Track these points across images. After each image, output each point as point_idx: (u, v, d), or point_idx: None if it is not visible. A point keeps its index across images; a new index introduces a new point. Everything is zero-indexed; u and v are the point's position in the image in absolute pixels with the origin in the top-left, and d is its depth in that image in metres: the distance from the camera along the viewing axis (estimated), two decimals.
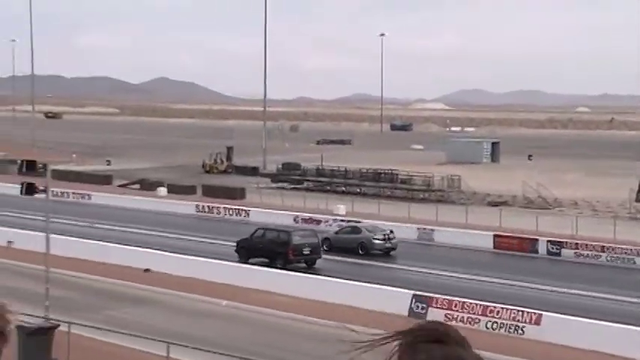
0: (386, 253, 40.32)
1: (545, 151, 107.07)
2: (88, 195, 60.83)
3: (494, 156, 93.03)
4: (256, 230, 38.51)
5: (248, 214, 53.28)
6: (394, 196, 63.91)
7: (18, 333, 19.07)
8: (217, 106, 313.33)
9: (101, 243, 39.77)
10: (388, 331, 2.02)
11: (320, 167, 74.30)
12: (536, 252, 41.24)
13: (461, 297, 29.07)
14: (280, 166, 77.82)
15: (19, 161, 77.86)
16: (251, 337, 26.33)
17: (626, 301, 31.42)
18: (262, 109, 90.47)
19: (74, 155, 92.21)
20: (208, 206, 55.94)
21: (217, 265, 35.35)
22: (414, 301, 28.98)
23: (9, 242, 41.21)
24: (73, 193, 61.00)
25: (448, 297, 28.89)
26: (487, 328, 26.94)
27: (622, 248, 39.68)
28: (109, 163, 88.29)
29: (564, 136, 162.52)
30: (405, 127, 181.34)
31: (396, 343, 2.00)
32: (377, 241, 40.35)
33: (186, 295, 31.97)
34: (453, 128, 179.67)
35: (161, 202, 59.19)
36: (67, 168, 77.16)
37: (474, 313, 27.57)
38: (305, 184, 71.16)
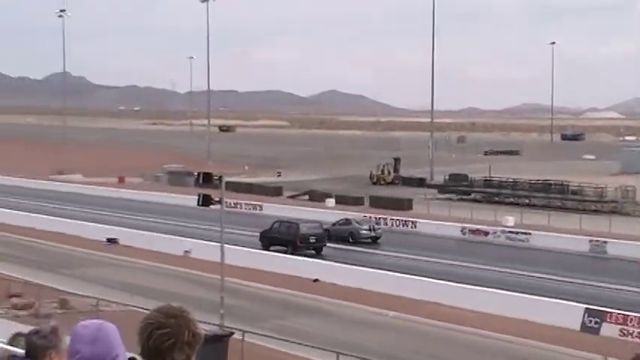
0: (373, 241, 46.34)
1: None
2: (260, 206, 62.39)
3: None
4: (274, 223, 44.57)
5: (415, 226, 53.19)
6: (565, 207, 62.02)
7: None
8: (385, 118, 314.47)
9: (272, 253, 40.85)
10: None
11: (488, 178, 73.08)
12: None
13: (637, 312, 28.18)
14: (447, 177, 77.07)
15: (195, 173, 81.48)
16: (418, 348, 26.18)
17: None
18: (429, 120, 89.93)
19: (246, 167, 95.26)
20: (375, 217, 56.08)
21: (384, 275, 35.46)
22: (586, 315, 28.27)
23: (186, 252, 43.09)
24: (246, 204, 62.71)
25: (623, 312, 27.84)
26: None
27: None
28: (279, 174, 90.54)
29: None
30: (576, 137, 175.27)
31: None
32: (363, 231, 46.51)
33: (353, 305, 32.23)
34: (627, 137, 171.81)
35: (329, 212, 60.00)
36: (240, 179, 79.82)
37: None
38: (472, 196, 70.12)
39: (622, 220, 53.07)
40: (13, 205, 59.88)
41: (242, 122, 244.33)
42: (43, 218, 52.71)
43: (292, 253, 41.00)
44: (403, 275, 35.62)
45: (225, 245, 28.63)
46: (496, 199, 67.63)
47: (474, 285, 33.70)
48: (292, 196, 72.07)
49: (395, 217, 54.93)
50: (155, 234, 46.98)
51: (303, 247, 42.53)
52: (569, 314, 28.36)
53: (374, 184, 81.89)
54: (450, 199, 68.55)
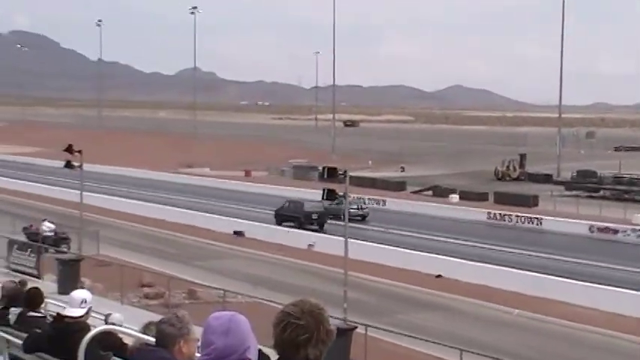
0: (362, 219, 53.01)
1: None
2: (383, 201, 62.28)
3: None
4: (285, 202, 52.09)
5: (540, 223, 52.02)
6: None
7: None
8: (511, 113, 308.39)
9: (394, 248, 40.78)
10: None
11: (618, 175, 70.62)
12: None
13: None
14: (575, 174, 74.94)
15: (320, 168, 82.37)
16: (543, 347, 25.61)
17: None
18: (557, 115, 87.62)
19: (370, 162, 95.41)
20: (500, 214, 55.23)
21: (509, 273, 34.85)
22: None
23: (310, 245, 43.61)
24: (369, 198, 62.57)
25: None
26: None
27: None
28: (402, 169, 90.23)
29: None
30: None
31: None
32: (352, 210, 49.96)
33: (477, 302, 31.82)
34: None
35: (453, 208, 59.44)
36: (363, 174, 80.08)
37: None
38: (601, 193, 68.06)
39: None
40: (145, 198, 62.09)
41: (366, 117, 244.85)
42: (174, 210, 54.40)
43: (299, 228, 48.00)
44: (528, 273, 34.91)
45: (351, 240, 28.77)
46: (626, 196, 65.44)
47: (602, 285, 32.65)
48: (416, 192, 71.71)
49: (520, 214, 54.00)
50: (280, 227, 47.75)
51: (306, 222, 49.58)
52: None
53: (499, 180, 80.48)
54: (578, 196, 66.65)
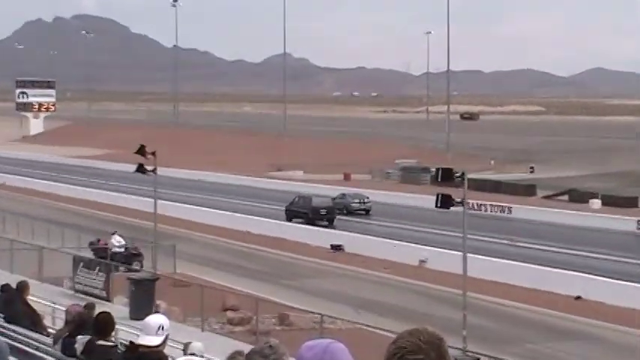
0: (366, 213, 61.16)
1: None
2: (509, 208, 61.75)
3: None
4: (295, 197, 58.57)
5: None
6: None
7: None
8: None
9: (522, 264, 40.20)
10: None
11: None
12: None
13: None
14: None
15: (432, 169, 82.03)
16: None
17: None
18: None
19: (492, 162, 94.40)
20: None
21: None
22: None
23: (421, 261, 43.46)
24: (491, 205, 62.24)
25: None
26: None
27: None
28: (532, 170, 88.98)
29: None
30: None
31: None
32: (354, 204, 61.55)
33: (624, 329, 31.12)
34: None
35: (594, 216, 58.29)
36: (485, 176, 79.21)
37: None
38: None
39: None
40: (227, 206, 62.93)
41: (487, 108, 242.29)
42: (262, 221, 55.11)
43: (307, 224, 53.56)
44: None
45: (470, 255, 28.52)
46: None
47: None
48: (548, 196, 70.57)
49: None
50: (386, 240, 47.80)
51: (315, 218, 55.09)
52: None
53: None
54: None
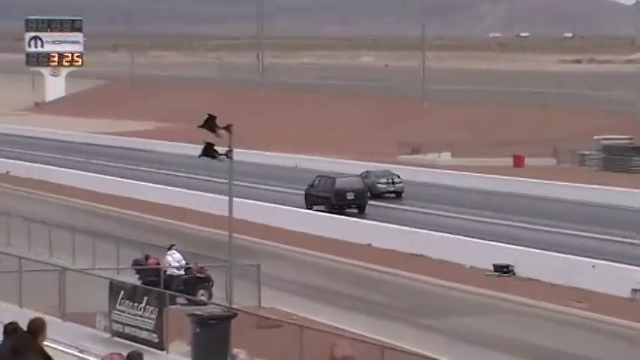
0: (397, 196, 68.55)
1: None
2: None
3: None
4: (315, 178, 63.46)
5: None
6: None
7: None
8: None
9: None
10: None
11: None
12: None
13: None
14: None
15: None
16: None
17: None
18: None
19: None
20: None
21: None
22: None
23: (636, 290, 42.74)
24: None
25: None
26: None
27: None
28: None
29: None
30: None
31: None
32: (380, 185, 68.25)
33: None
34: None
35: None
36: None
37: None
38: None
39: None
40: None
41: None
42: (389, 229, 55.17)
43: (330, 212, 58.71)
44: None
45: None
46: None
47: None
48: None
49: None
50: (575, 258, 47.40)
51: (339, 205, 60.67)
52: None
53: None
54: None
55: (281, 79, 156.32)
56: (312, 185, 63.30)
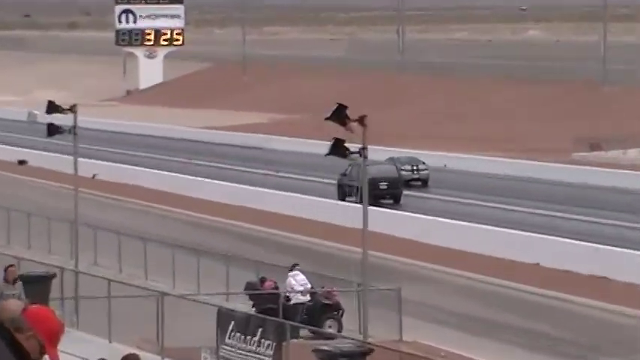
0: (423, 184, 76.92)
1: None
2: None
3: None
4: (348, 166, 65.18)
5: None
6: None
7: None
8: None
9: None
10: None
11: None
12: None
13: None
14: None
15: None
16: None
17: None
18: None
19: None
20: None
21: None
22: None
23: None
24: None
25: None
26: None
27: None
28: None
29: None
30: None
31: None
32: (405, 173, 74.86)
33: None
34: None
35: None
36: None
37: None
38: None
39: None
40: (498, 216, 64.03)
41: None
42: (559, 243, 55.15)
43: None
44: None
45: None
46: None
47: None
48: None
49: None
50: None
51: (371, 195, 56.03)
52: None
53: None
54: None
55: (426, 59, 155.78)
56: (344, 174, 68.74)
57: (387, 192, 68.69)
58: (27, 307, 5.49)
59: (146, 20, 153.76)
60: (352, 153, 33.34)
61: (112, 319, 37.25)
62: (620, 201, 70.22)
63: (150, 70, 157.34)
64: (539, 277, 50.59)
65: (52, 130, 44.42)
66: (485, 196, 72.17)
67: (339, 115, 31.88)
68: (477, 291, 49.58)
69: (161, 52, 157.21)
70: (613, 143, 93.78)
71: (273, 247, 56.14)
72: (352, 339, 35.31)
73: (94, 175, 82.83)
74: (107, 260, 51.05)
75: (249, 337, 34.25)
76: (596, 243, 54.61)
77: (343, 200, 67.84)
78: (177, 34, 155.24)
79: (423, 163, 78.35)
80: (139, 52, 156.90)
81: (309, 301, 41.61)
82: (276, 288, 42.24)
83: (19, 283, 33.65)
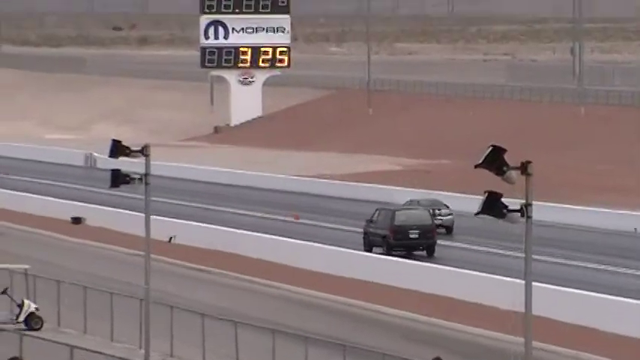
0: (448, 231, 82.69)
1: None
2: None
3: None
4: (375, 211, 75.65)
5: None
6: None
7: None
8: None
9: None
10: None
11: None
12: None
13: None
14: None
15: None
16: None
17: None
18: None
19: None
20: None
21: None
22: None
23: None
24: None
25: None
26: None
27: None
28: None
29: None
30: None
31: None
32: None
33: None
34: None
35: None
36: None
37: None
38: None
39: None
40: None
41: None
42: None
43: (389, 255, 66.90)
44: None
45: None
46: None
47: None
48: None
49: None
50: None
51: (400, 245, 72.84)
52: None
53: None
54: None
55: (610, 86, 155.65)
56: (370, 220, 76.31)
57: (417, 242, 72.83)
58: None
59: (241, 35, 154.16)
60: (511, 211, 33.30)
61: None
62: None
63: (245, 99, 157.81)
64: None
65: (118, 178, 44.50)
66: None
67: (494, 160, 31.85)
68: None
69: (260, 77, 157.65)
70: None
71: (413, 337, 56.17)
72: None
73: (170, 238, 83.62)
74: (186, 350, 51.35)
75: None
76: None
77: (369, 251, 72.20)
78: (281, 52, 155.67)
79: (447, 206, 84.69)
80: (230, 76, 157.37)
81: None
82: None
83: None
